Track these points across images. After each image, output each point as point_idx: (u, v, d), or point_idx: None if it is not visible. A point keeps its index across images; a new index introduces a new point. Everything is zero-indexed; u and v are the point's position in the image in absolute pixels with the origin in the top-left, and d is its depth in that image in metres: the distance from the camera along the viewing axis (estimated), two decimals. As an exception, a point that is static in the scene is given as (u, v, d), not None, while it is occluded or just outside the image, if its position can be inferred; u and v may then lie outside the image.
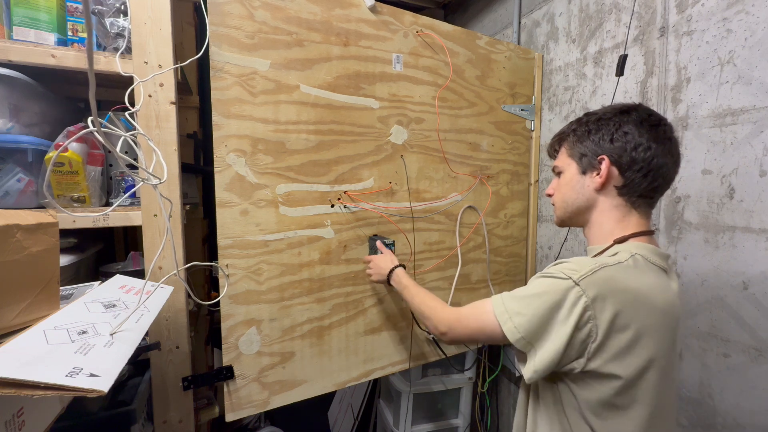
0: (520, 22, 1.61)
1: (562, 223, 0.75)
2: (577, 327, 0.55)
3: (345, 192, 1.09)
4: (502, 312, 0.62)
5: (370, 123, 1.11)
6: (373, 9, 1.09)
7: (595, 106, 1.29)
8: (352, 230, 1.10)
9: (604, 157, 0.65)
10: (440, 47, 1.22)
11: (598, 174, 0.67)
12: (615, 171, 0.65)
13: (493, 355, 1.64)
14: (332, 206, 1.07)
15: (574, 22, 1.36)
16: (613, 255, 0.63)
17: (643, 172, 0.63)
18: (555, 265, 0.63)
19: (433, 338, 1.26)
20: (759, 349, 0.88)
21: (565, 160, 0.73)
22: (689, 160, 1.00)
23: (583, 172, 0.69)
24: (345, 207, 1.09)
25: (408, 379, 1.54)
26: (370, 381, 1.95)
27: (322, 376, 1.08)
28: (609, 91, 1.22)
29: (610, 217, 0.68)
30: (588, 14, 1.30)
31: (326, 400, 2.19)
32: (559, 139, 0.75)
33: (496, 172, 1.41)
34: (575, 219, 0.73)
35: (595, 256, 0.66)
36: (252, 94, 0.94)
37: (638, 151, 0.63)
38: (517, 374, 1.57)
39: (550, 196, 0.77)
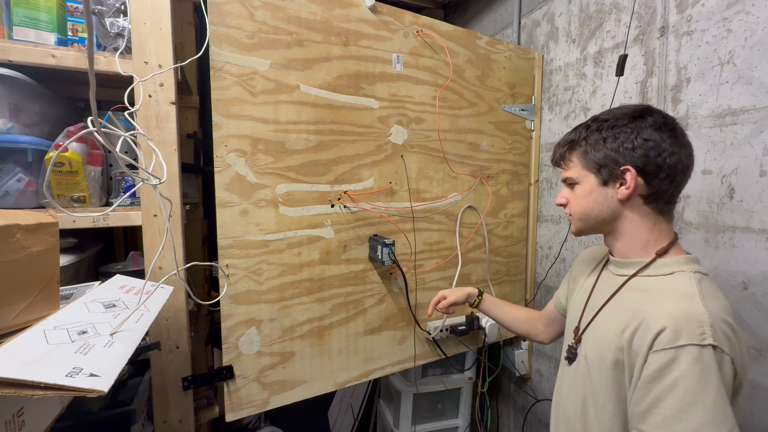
0: (520, 22, 1.61)
1: (581, 233, 0.72)
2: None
3: (345, 192, 1.09)
4: None
5: (370, 123, 1.11)
6: (373, 9, 1.09)
7: (595, 105, 1.29)
8: (352, 230, 1.10)
9: (629, 167, 0.62)
10: (440, 47, 1.22)
11: (621, 185, 0.63)
12: (641, 180, 0.62)
13: (494, 355, 1.64)
14: (332, 206, 1.07)
15: (574, 22, 1.36)
16: (668, 274, 0.61)
17: (669, 178, 0.61)
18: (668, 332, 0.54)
19: (433, 338, 1.26)
20: (759, 349, 0.88)
21: (579, 172, 0.68)
22: (689, 160, 1.00)
23: (604, 183, 0.65)
24: (345, 207, 1.09)
25: (408, 379, 1.54)
26: (370, 381, 1.95)
27: (322, 376, 1.08)
28: (609, 91, 1.22)
29: (642, 227, 0.65)
30: (588, 14, 1.30)
31: (326, 400, 2.19)
32: (569, 148, 0.70)
33: (496, 172, 1.41)
34: (597, 229, 0.70)
35: (639, 270, 0.64)
36: (252, 94, 0.94)
37: (663, 157, 0.60)
38: (518, 374, 1.57)
39: (562, 206, 0.74)
